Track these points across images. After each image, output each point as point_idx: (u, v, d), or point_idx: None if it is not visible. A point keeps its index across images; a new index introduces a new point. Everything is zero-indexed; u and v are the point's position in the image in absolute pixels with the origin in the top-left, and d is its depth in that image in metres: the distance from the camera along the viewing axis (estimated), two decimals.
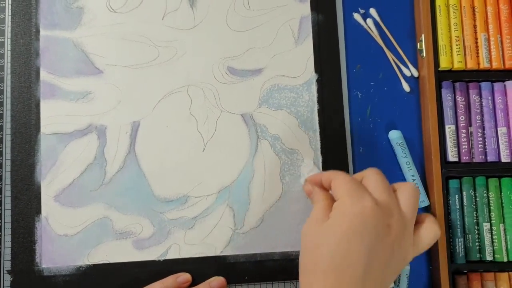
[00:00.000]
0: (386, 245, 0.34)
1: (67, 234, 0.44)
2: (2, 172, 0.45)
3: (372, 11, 0.50)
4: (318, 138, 0.47)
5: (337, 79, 0.48)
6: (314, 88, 0.48)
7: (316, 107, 0.47)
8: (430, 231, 0.37)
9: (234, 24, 0.48)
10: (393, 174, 0.47)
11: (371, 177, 0.37)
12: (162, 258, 0.44)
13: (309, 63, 0.48)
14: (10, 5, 0.47)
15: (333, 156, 0.47)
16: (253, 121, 0.47)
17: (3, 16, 0.47)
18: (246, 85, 0.47)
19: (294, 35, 0.48)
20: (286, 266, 0.45)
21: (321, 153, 0.47)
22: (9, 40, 0.46)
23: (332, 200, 0.37)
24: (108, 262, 0.44)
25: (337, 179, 0.37)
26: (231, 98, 0.47)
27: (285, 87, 0.47)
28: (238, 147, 0.46)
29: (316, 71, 0.48)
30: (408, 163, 0.47)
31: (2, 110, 0.45)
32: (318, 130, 0.47)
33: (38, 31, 0.46)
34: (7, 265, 0.43)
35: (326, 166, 0.46)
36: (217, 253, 0.45)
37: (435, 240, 0.37)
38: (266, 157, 0.46)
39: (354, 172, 0.47)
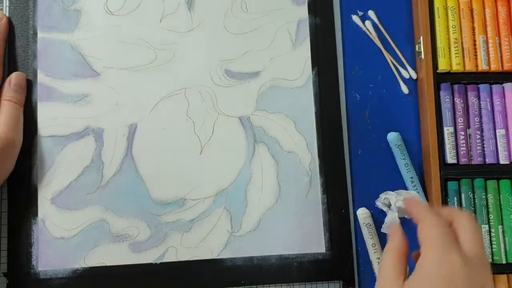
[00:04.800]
0: None
1: (63, 237, 0.44)
2: None
3: (371, 13, 0.50)
4: (316, 141, 0.47)
5: (335, 82, 0.48)
6: (311, 90, 0.47)
7: (313, 109, 0.47)
8: (474, 237, 0.32)
9: (232, 27, 0.48)
10: (392, 176, 0.47)
11: (465, 223, 0.32)
12: (158, 261, 0.44)
13: (306, 66, 0.48)
14: (7, 7, 0.47)
15: (331, 158, 0.47)
16: (250, 124, 0.47)
17: None
18: (244, 88, 0.47)
19: (291, 38, 0.48)
20: (283, 269, 0.45)
21: (318, 155, 0.47)
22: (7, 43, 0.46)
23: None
24: (104, 265, 0.44)
25: (425, 222, 0.33)
26: (229, 101, 0.47)
27: (282, 90, 0.47)
28: (235, 150, 0.46)
29: (313, 74, 0.48)
30: (406, 165, 0.47)
31: None
32: (315, 132, 0.47)
33: (35, 34, 0.46)
34: (4, 267, 0.43)
35: (323, 169, 0.46)
36: (214, 256, 0.45)
37: (481, 236, 0.33)
38: (264, 160, 0.46)
39: (352, 173, 0.47)
